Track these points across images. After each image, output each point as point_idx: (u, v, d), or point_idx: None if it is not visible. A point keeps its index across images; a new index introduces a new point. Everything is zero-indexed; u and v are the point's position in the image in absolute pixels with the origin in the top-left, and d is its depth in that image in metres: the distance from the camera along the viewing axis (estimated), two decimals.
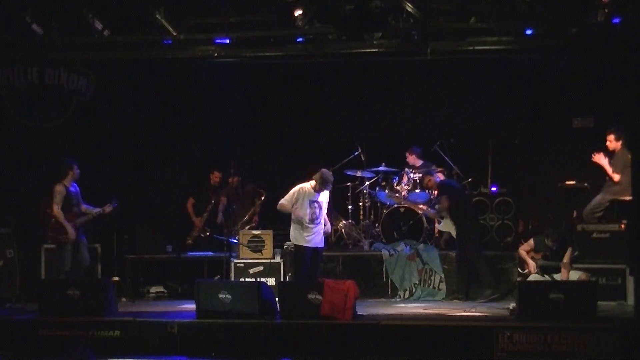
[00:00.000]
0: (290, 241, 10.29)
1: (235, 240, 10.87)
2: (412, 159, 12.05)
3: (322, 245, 9.90)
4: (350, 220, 11.96)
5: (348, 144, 12.17)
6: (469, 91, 12.22)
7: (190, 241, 11.71)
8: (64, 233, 9.85)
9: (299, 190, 9.73)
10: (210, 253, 11.41)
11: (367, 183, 12.11)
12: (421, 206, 11.53)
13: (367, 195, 12.09)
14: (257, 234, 10.93)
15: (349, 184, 12.11)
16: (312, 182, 9.73)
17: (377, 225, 11.80)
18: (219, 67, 11.81)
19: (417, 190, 11.72)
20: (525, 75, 11.93)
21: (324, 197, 9.82)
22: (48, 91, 11.68)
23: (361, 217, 12.09)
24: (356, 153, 12.07)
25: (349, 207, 12.05)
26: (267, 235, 10.88)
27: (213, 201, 11.91)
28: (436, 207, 11.01)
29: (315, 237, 9.78)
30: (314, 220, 9.74)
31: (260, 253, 10.77)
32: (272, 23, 10.02)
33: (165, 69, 11.64)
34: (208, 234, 11.61)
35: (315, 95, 12.71)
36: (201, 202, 11.97)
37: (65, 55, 10.69)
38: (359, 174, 12.06)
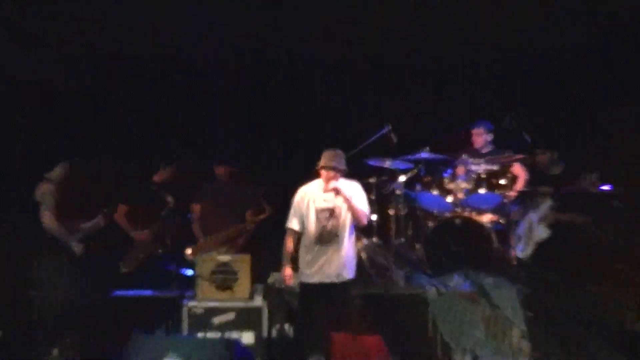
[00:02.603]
0: (276, 272, 8.54)
1: (189, 271, 8.86)
2: (481, 140, 9.60)
3: (336, 279, 7.85)
4: (374, 239, 9.51)
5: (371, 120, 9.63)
6: None
7: (125, 269, 9.44)
8: None
9: (299, 193, 8.08)
10: (149, 292, 9.15)
11: (402, 178, 9.58)
12: (489, 216, 9.18)
13: (401, 199, 9.62)
14: (225, 261, 8.72)
15: (372, 179, 9.54)
16: (318, 180, 8.03)
17: (417, 246, 9.56)
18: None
19: (481, 190, 9.15)
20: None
21: (340, 199, 7.82)
22: None
23: (392, 232, 9.63)
24: (383, 131, 9.29)
25: (373, 217, 9.65)
26: (242, 263, 8.68)
27: (171, 206, 9.44)
28: None
29: (323, 266, 7.83)
30: (323, 238, 7.83)
31: (230, 290, 8.75)
32: None
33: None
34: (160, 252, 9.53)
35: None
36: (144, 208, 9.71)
37: None
38: (387, 164, 9.52)
